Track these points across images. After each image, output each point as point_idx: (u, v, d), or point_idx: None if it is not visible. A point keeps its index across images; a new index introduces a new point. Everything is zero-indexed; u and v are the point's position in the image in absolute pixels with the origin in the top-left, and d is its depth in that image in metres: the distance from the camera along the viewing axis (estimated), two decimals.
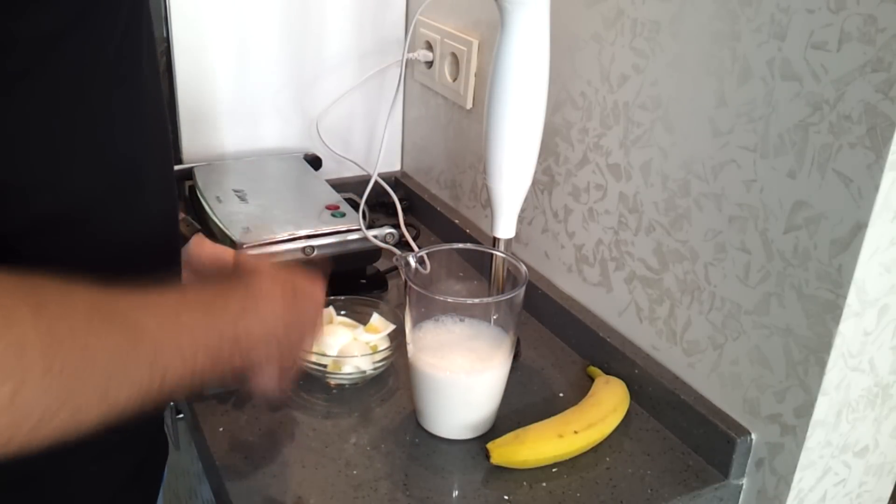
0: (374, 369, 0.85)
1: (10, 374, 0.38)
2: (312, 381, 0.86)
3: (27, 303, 0.40)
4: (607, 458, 0.78)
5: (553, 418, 0.79)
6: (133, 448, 0.64)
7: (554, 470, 0.76)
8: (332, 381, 0.86)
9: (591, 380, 0.88)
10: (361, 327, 0.89)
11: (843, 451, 0.76)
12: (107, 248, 0.54)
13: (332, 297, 0.92)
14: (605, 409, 0.81)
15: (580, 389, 0.88)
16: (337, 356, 0.85)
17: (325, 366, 0.85)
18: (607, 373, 0.89)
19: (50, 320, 0.40)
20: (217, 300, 0.55)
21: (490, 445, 0.75)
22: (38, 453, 0.53)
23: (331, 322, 0.90)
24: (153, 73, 0.57)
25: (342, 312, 0.92)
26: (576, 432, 0.77)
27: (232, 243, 0.94)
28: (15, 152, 0.47)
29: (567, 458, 0.77)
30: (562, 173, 0.95)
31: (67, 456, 0.56)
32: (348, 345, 0.86)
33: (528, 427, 0.77)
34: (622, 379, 0.87)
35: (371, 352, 0.86)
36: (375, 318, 0.90)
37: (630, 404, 0.85)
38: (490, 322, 0.79)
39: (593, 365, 0.91)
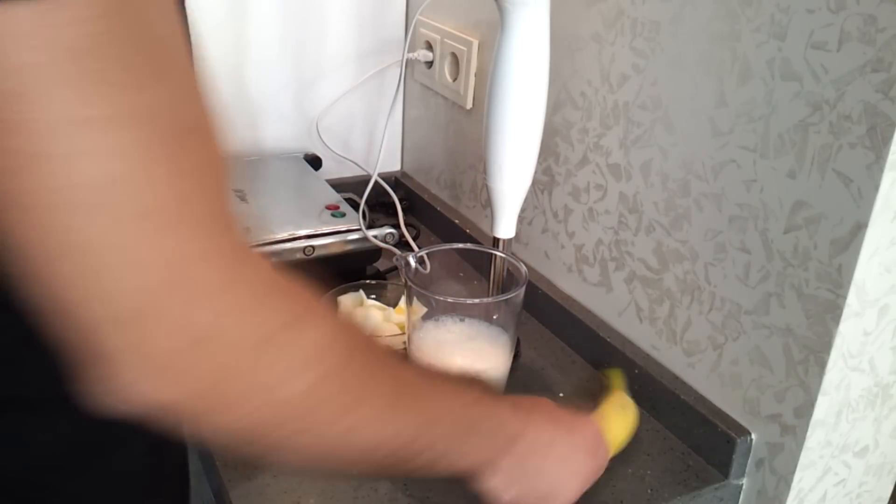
0: (404, 349, 0.86)
1: (319, 362, 0.39)
2: None
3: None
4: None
5: None
6: (173, 446, 0.63)
7: None
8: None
9: (602, 382, 0.77)
10: (391, 309, 0.93)
11: (843, 451, 0.76)
12: None
13: (362, 281, 0.96)
14: (614, 442, 0.70)
15: (580, 389, 0.88)
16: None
17: None
18: None
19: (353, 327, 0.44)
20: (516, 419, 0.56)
21: None
22: (70, 446, 0.53)
23: (361, 304, 0.93)
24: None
25: (372, 296, 0.95)
26: None
27: None
28: None
29: None
30: (562, 173, 0.95)
31: (94, 458, 0.56)
32: (379, 326, 0.90)
33: None
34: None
35: (400, 332, 0.89)
36: (404, 301, 0.91)
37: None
38: (490, 322, 0.79)
39: (620, 373, 0.80)
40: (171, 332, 0.34)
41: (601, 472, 0.62)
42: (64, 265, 0.32)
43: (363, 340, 0.46)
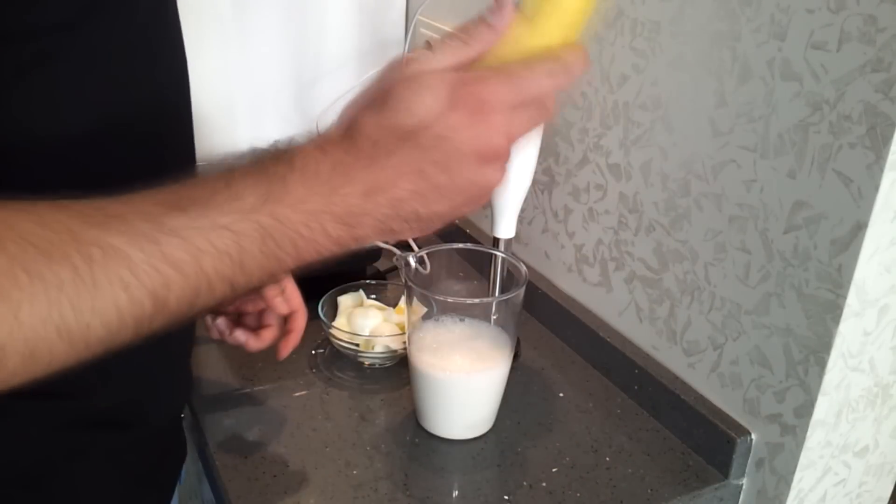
0: (404, 349, 0.86)
1: None
2: (342, 360, 0.91)
3: None
4: (607, 458, 0.78)
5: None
6: (146, 449, 0.64)
7: (554, 470, 0.76)
8: (365, 361, 0.90)
9: None
10: (391, 309, 0.94)
11: (843, 451, 0.76)
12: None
13: (362, 281, 0.98)
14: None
15: (580, 389, 0.88)
16: (369, 336, 0.89)
17: (357, 345, 0.89)
18: (607, 375, 0.89)
19: None
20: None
21: None
22: (45, 451, 0.53)
23: (361, 304, 0.95)
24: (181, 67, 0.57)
25: (372, 296, 0.97)
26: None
27: None
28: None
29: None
30: (562, 173, 0.95)
31: (76, 455, 0.56)
32: (379, 326, 0.90)
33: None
34: (622, 378, 0.87)
35: (400, 332, 0.89)
36: (404, 301, 0.92)
37: (630, 404, 0.86)
38: (490, 322, 0.79)
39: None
40: None
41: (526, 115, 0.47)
42: None
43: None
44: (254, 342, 0.72)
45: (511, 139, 0.46)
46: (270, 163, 0.43)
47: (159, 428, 0.65)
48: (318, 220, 0.42)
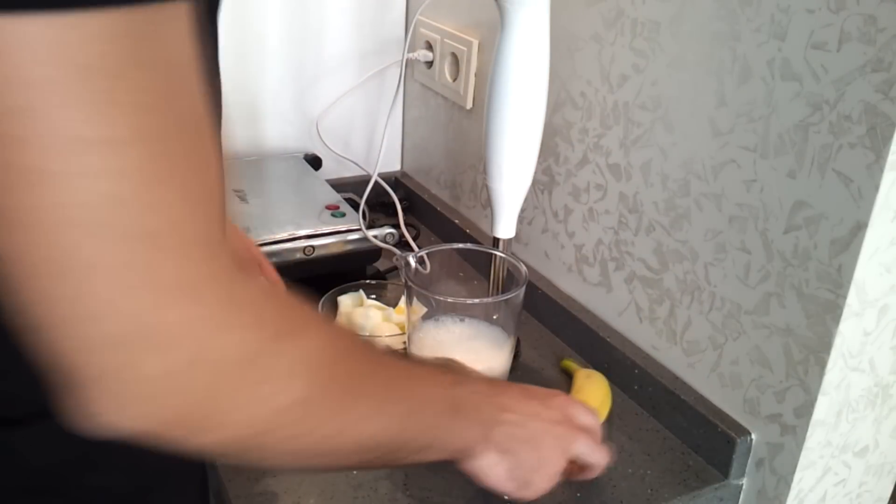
0: (404, 349, 0.86)
1: (306, 371, 0.41)
2: None
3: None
4: None
5: None
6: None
7: None
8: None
9: (568, 375, 0.88)
10: (391, 309, 0.94)
11: (843, 451, 0.76)
12: None
13: (362, 281, 0.97)
14: (594, 404, 0.82)
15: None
16: (369, 336, 0.88)
17: None
18: (607, 374, 0.89)
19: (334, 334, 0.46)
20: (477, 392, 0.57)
21: None
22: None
23: (361, 304, 0.94)
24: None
25: (372, 296, 0.96)
26: None
27: None
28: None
29: None
30: (562, 173, 0.95)
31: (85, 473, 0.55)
32: (379, 326, 0.90)
33: None
34: (622, 378, 0.87)
35: (400, 332, 0.89)
36: (404, 301, 0.92)
37: (630, 404, 0.86)
38: (490, 322, 0.79)
39: (571, 360, 0.91)
40: (159, 357, 0.34)
41: (588, 436, 0.62)
42: (54, 284, 0.32)
43: (350, 343, 0.47)
44: None
45: (575, 443, 0.61)
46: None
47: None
48: (482, 413, 0.57)
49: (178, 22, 0.33)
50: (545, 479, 0.59)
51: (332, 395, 0.43)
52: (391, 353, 0.53)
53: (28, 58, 0.29)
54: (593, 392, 0.83)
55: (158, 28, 0.32)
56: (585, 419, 0.63)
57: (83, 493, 0.53)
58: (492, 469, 0.56)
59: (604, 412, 0.82)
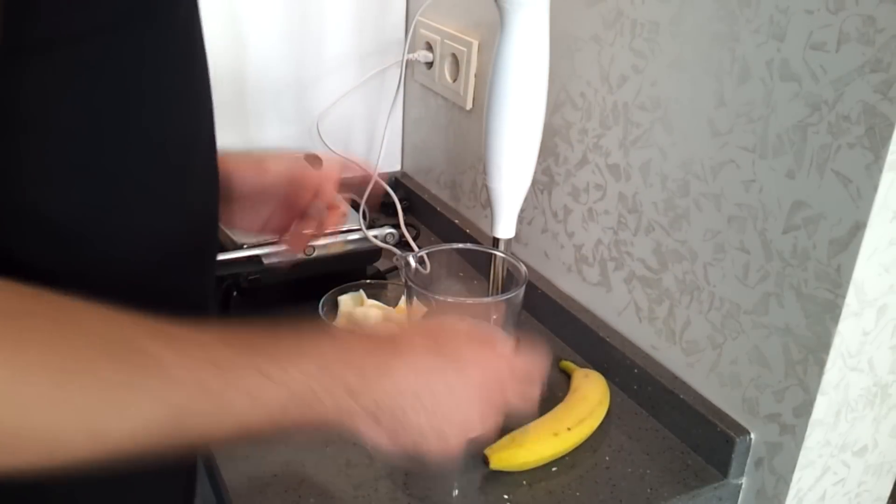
0: None
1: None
2: None
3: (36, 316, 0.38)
4: (606, 458, 0.78)
5: (544, 417, 0.79)
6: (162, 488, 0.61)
7: (553, 469, 0.76)
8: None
9: (567, 375, 0.89)
10: (391, 309, 0.94)
11: (842, 451, 0.76)
12: (138, 252, 0.49)
13: (362, 281, 0.97)
14: (591, 403, 0.82)
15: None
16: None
17: None
18: (607, 374, 0.89)
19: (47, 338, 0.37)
20: (283, 344, 0.48)
21: (488, 451, 0.75)
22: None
23: (361, 304, 0.94)
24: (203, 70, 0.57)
25: (372, 296, 0.96)
26: (569, 429, 0.78)
27: (233, 243, 0.94)
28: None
29: (562, 455, 0.77)
30: (561, 173, 0.95)
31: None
32: (379, 325, 0.90)
33: (522, 429, 0.77)
34: (621, 378, 0.87)
35: None
36: (404, 301, 0.92)
37: (629, 403, 0.86)
38: (490, 322, 0.79)
39: (570, 361, 0.92)
40: None
41: (509, 392, 0.56)
42: None
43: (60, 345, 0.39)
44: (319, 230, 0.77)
45: (501, 400, 0.55)
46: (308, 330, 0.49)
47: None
48: (332, 384, 0.47)
49: None
50: (446, 438, 0.53)
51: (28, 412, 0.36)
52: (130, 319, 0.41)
53: None
54: (591, 391, 0.83)
55: None
56: (516, 370, 0.56)
57: (62, 488, 0.53)
58: (369, 435, 0.50)
59: (601, 412, 0.82)
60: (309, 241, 0.79)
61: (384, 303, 0.96)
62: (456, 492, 0.73)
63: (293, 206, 0.77)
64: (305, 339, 0.48)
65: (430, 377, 0.51)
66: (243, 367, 0.44)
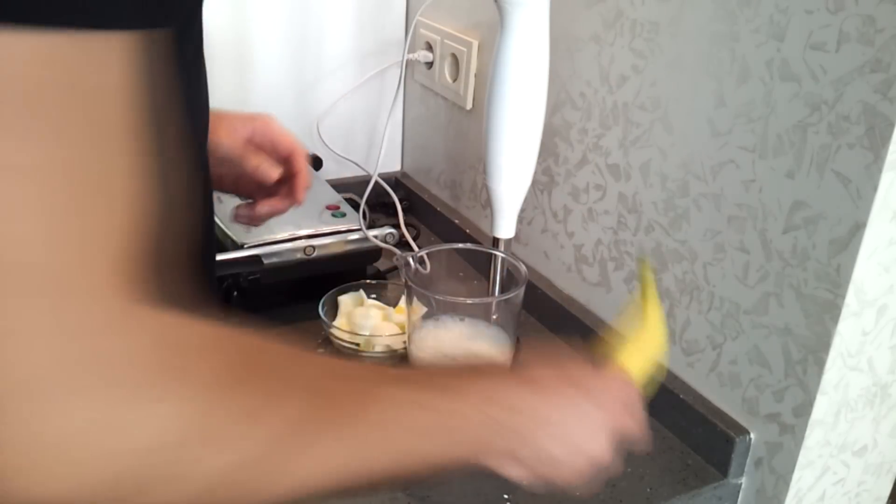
0: (404, 348, 0.87)
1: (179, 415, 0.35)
2: None
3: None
4: None
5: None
6: None
7: None
8: (365, 361, 0.89)
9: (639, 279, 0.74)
10: (391, 309, 0.94)
11: (841, 451, 0.76)
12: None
13: (362, 281, 0.97)
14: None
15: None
16: (369, 336, 0.89)
17: (357, 345, 0.89)
18: None
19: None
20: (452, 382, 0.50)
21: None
22: None
23: (361, 304, 0.95)
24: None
25: (372, 296, 0.97)
26: None
27: (233, 243, 0.94)
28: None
29: None
30: (561, 173, 0.96)
31: None
32: (379, 325, 0.90)
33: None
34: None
35: (401, 332, 0.89)
36: (404, 301, 0.92)
37: None
38: (490, 322, 0.79)
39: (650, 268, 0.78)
40: (59, 416, 0.31)
41: (632, 419, 0.57)
42: None
43: (255, 362, 0.40)
44: (282, 203, 0.74)
45: (606, 450, 0.55)
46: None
47: None
48: (483, 425, 0.49)
49: (116, 51, 0.31)
50: (576, 466, 0.55)
51: (219, 427, 0.37)
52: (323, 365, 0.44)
53: None
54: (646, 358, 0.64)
55: (90, 56, 0.31)
56: (618, 400, 0.57)
57: None
58: (508, 470, 0.53)
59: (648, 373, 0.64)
60: (273, 214, 0.76)
61: (384, 303, 0.96)
62: (456, 492, 0.73)
63: (260, 169, 0.75)
64: (455, 377, 0.51)
65: (566, 409, 0.54)
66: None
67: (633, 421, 0.57)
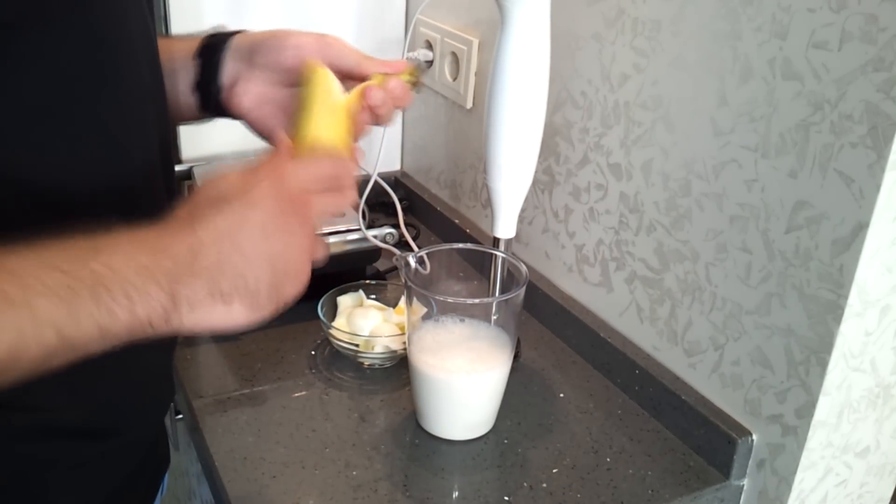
0: (404, 349, 0.86)
1: None
2: (342, 361, 0.90)
3: None
4: (608, 459, 0.78)
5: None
6: (122, 460, 0.62)
7: (555, 471, 0.76)
8: (365, 361, 0.90)
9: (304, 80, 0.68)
10: (391, 310, 0.94)
11: (844, 452, 0.76)
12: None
13: (362, 281, 0.98)
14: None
15: (581, 390, 0.88)
16: (369, 336, 0.88)
17: (357, 346, 0.88)
18: (608, 375, 0.88)
19: None
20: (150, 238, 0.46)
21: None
22: (14, 461, 0.52)
23: (361, 304, 0.95)
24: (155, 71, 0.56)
25: (372, 296, 0.97)
26: None
27: None
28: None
29: None
30: (562, 173, 0.95)
31: (47, 465, 0.55)
32: (379, 326, 0.90)
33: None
34: (623, 379, 0.87)
35: (400, 332, 0.89)
36: (404, 301, 0.91)
37: (631, 404, 0.85)
38: (490, 322, 0.79)
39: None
40: None
41: (317, 198, 0.55)
42: None
43: None
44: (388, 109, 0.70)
45: (310, 212, 0.55)
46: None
47: (136, 438, 0.64)
48: (149, 273, 0.44)
49: None
50: (290, 282, 0.53)
51: None
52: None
53: None
54: (334, 126, 0.68)
55: None
56: (305, 179, 0.55)
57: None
58: (221, 318, 0.48)
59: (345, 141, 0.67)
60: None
61: (384, 303, 0.96)
62: (456, 493, 0.73)
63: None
64: (101, 238, 0.45)
65: (241, 229, 0.49)
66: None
67: (321, 204, 0.55)
